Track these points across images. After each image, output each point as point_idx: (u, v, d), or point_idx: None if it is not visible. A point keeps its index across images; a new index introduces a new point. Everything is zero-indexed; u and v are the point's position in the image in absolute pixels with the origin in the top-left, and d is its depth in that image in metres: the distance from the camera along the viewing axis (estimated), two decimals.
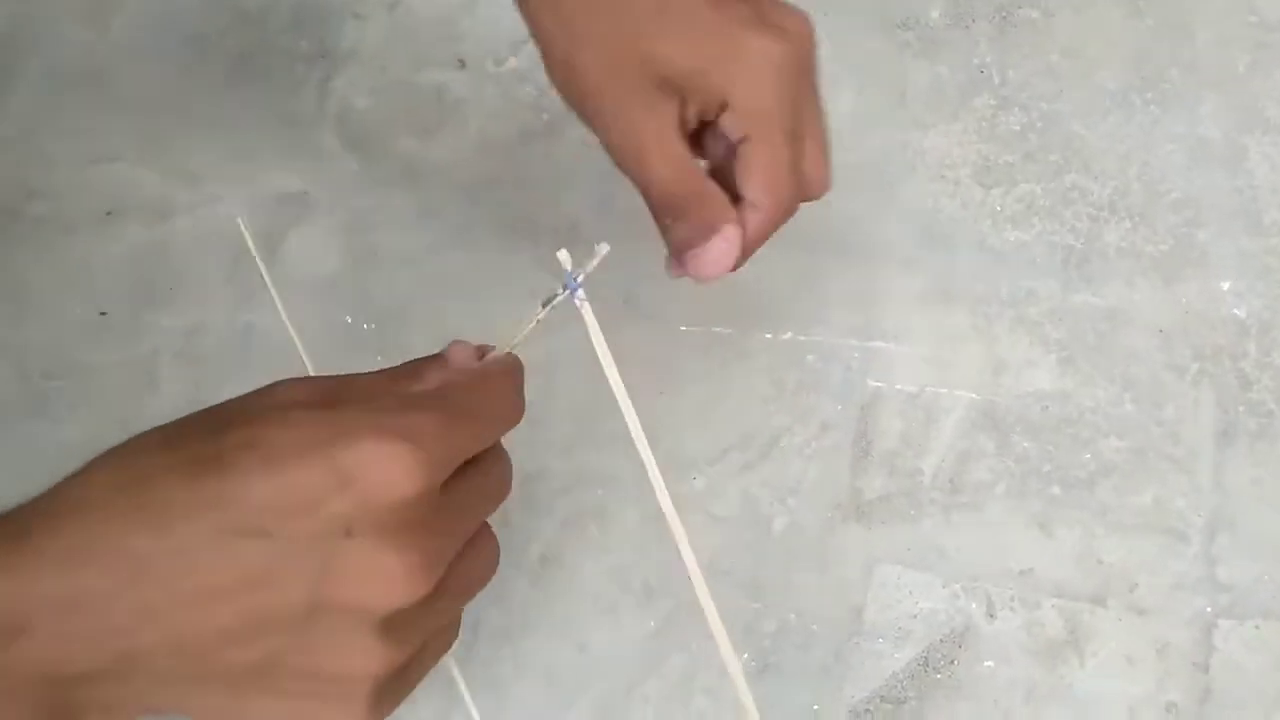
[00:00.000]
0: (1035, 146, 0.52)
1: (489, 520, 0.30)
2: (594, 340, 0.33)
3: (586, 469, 0.47)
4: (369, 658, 0.26)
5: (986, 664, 0.43)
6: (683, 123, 0.36)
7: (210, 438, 0.26)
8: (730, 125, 0.35)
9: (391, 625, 0.26)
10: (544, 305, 0.33)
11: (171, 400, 0.49)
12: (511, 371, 0.31)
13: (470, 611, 0.45)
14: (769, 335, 0.49)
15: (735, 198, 0.37)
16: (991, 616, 0.44)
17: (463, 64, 0.55)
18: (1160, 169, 0.51)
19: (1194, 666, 0.42)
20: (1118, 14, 0.54)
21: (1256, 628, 0.43)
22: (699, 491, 0.46)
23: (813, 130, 0.37)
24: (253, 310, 0.50)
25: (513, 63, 0.55)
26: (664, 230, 0.37)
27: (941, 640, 0.43)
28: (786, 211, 0.37)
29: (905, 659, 0.43)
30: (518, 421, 0.30)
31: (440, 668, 0.32)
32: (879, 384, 0.48)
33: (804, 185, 0.37)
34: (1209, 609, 0.43)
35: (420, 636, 0.28)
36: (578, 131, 0.55)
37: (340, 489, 0.25)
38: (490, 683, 0.44)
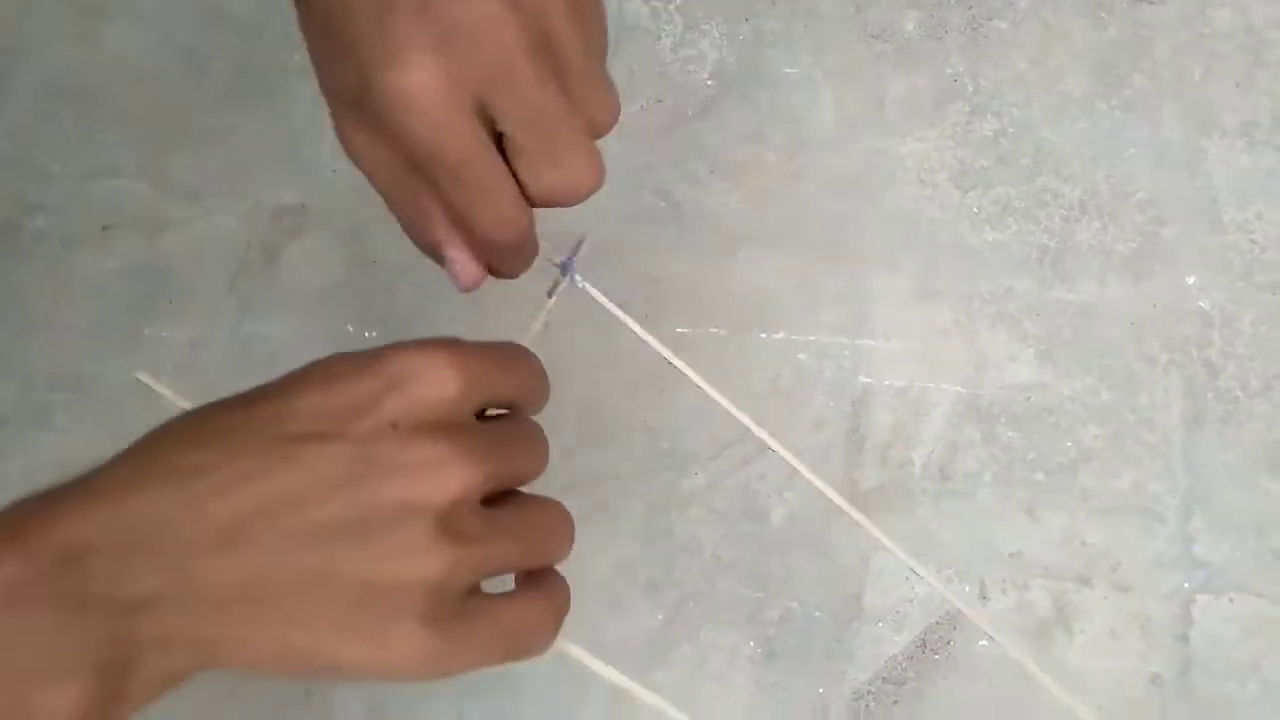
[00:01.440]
0: (1008, 151, 0.54)
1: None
2: (607, 305, 0.35)
3: (590, 467, 0.48)
4: (425, 555, 0.25)
5: (981, 644, 0.45)
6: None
7: (265, 387, 0.27)
8: None
9: (446, 523, 0.26)
10: (549, 295, 0.34)
11: (174, 413, 0.49)
12: (528, 352, 0.31)
13: None
14: (763, 335, 0.51)
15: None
16: (984, 599, 0.46)
17: None
18: (1126, 171, 0.53)
19: (1175, 639, 0.45)
20: (1081, 24, 0.57)
21: (1231, 601, 0.45)
22: (700, 486, 0.48)
23: (523, 140, 0.29)
24: (253, 322, 0.51)
25: None
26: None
27: (938, 623, 0.45)
28: (501, 237, 0.32)
29: (904, 641, 0.45)
30: (545, 397, 0.31)
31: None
32: (869, 380, 0.50)
33: (534, 198, 0.32)
34: (1186, 584, 0.45)
35: (479, 550, 0.26)
36: None
37: (388, 391, 0.26)
38: (503, 678, 0.45)
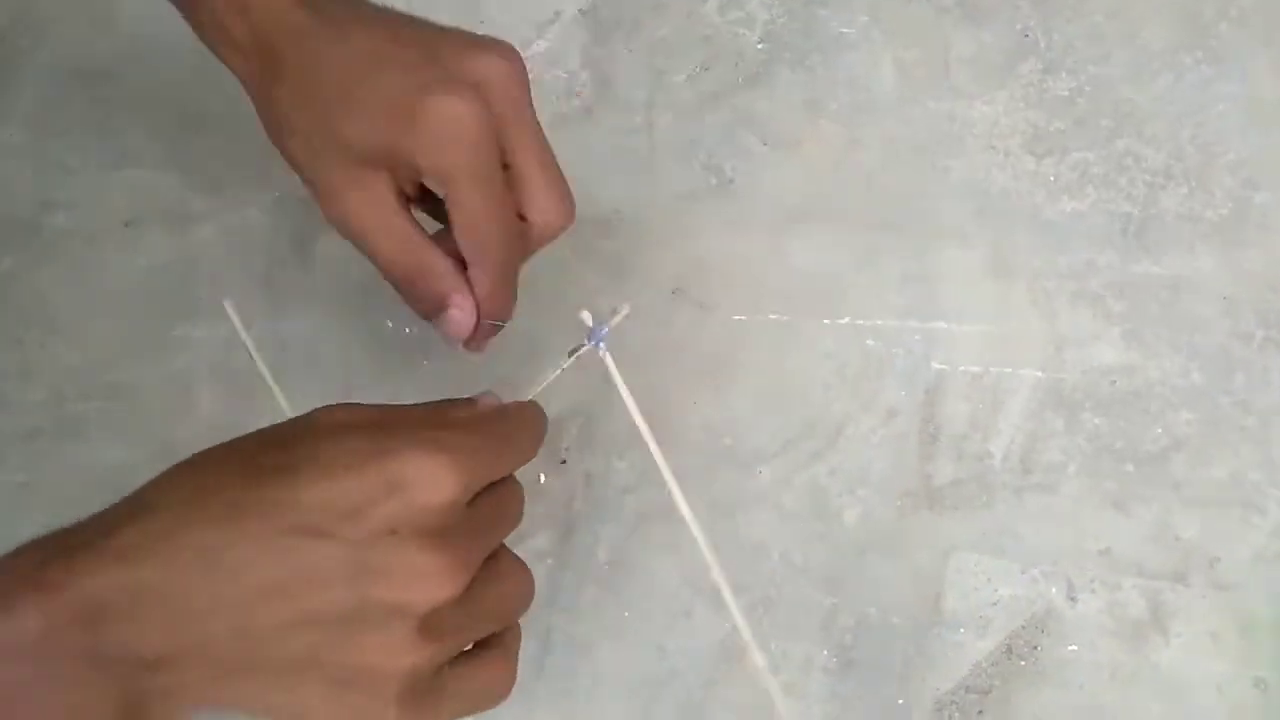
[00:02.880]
0: (1085, 112, 0.50)
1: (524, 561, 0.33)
2: (618, 386, 0.36)
3: (648, 468, 0.46)
4: (406, 652, 0.28)
5: (1070, 648, 0.42)
6: (399, 194, 0.37)
7: (273, 452, 0.29)
8: (434, 187, 0.36)
9: (428, 624, 0.28)
10: (569, 355, 0.36)
11: (211, 417, 0.47)
12: (535, 412, 0.34)
13: (540, 620, 0.44)
14: (826, 321, 0.48)
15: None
16: (1073, 600, 0.43)
17: None
18: (1215, 130, 0.50)
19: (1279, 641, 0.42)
20: None
21: None
22: (765, 485, 0.45)
23: (531, 170, 0.37)
24: (289, 319, 0.49)
25: (540, 45, 0.53)
26: (406, 299, 0.38)
27: (1023, 626, 0.43)
28: (509, 259, 0.37)
29: (988, 648, 0.42)
30: (533, 456, 0.33)
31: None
32: (942, 366, 0.47)
33: (532, 228, 0.37)
34: None
35: (454, 640, 0.30)
36: (614, 117, 0.53)
37: (388, 495, 0.28)
38: (565, 693, 0.43)
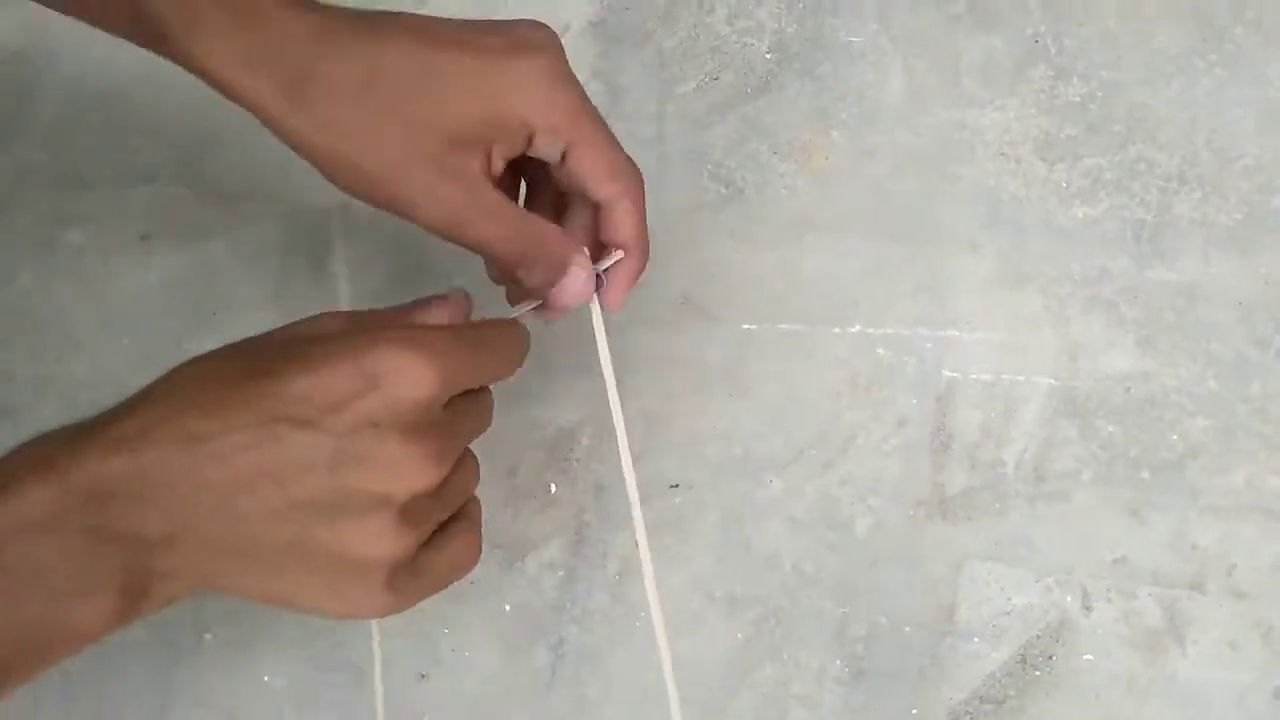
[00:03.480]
0: (1097, 118, 0.50)
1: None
2: (599, 342, 0.37)
3: (659, 476, 0.46)
4: (388, 540, 0.30)
5: (1086, 658, 0.42)
6: (489, 174, 0.36)
7: (266, 351, 0.31)
8: (546, 147, 0.36)
9: (407, 512, 0.30)
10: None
11: None
12: (515, 329, 0.35)
13: (552, 630, 0.44)
14: (837, 329, 0.47)
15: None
16: (1088, 609, 0.43)
17: None
18: (1229, 135, 0.49)
19: None
20: None
21: None
22: (776, 495, 0.45)
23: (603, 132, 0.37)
24: None
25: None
26: (514, 282, 0.38)
27: (1038, 636, 0.42)
28: (641, 194, 0.37)
29: (1002, 657, 0.42)
30: (512, 372, 0.34)
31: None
32: (954, 374, 0.46)
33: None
34: None
35: (429, 526, 0.31)
36: (624, 128, 0.53)
37: (368, 389, 0.30)
38: (577, 704, 0.43)
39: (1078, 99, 0.50)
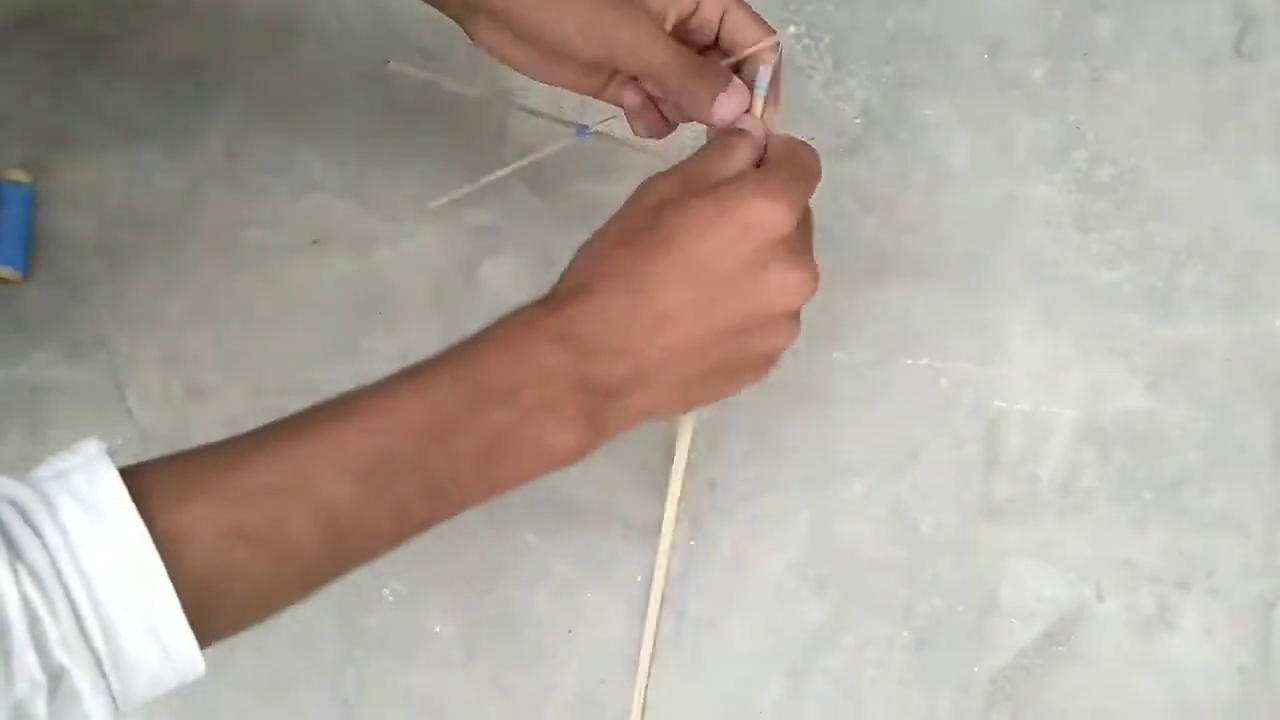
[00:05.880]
0: (1124, 197, 0.61)
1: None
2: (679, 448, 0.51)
3: (760, 477, 0.56)
4: (789, 337, 0.42)
5: (1097, 638, 0.53)
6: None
7: (642, 235, 0.40)
8: (710, 8, 0.45)
9: (796, 313, 0.41)
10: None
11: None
12: (808, 146, 0.45)
13: (676, 600, 0.53)
14: (910, 361, 0.57)
15: None
16: (1100, 599, 0.54)
17: None
18: (1225, 220, 0.60)
19: (1257, 637, 0.53)
20: (1190, 78, 0.63)
21: None
22: (859, 495, 0.55)
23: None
24: (459, 333, 0.57)
25: None
26: (684, 94, 0.45)
27: (1061, 619, 0.54)
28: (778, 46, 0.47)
29: (1033, 635, 0.53)
30: (820, 177, 0.45)
31: None
32: (1002, 404, 0.57)
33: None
34: (1269, 590, 0.54)
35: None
36: None
37: (746, 235, 0.39)
38: (695, 663, 0.53)
39: (1109, 180, 0.61)
